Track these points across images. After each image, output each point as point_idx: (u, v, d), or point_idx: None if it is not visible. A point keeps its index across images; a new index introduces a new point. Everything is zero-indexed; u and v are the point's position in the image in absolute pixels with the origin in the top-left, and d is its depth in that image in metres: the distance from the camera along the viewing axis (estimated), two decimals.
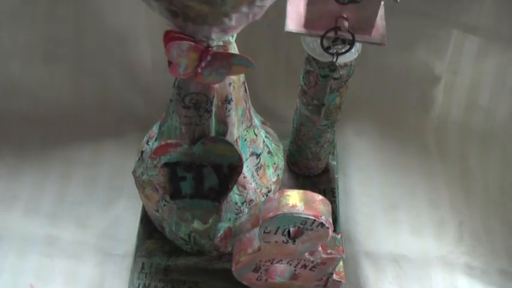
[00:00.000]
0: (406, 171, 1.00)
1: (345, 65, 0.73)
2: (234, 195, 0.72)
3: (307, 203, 0.64)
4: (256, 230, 0.68)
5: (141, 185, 0.76)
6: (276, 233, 0.66)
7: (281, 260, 0.71)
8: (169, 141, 0.67)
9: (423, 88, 1.02)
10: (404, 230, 0.93)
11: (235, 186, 0.71)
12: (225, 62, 0.59)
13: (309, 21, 0.68)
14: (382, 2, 0.68)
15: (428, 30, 0.96)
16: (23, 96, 1.01)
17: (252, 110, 0.72)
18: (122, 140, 1.00)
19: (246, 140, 0.71)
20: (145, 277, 0.83)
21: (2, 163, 0.98)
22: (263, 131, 0.77)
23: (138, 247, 0.85)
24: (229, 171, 0.68)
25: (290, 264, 0.72)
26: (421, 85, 1.02)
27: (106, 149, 1.00)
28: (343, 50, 0.69)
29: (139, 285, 0.82)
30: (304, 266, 0.72)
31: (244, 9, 0.55)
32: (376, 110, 1.04)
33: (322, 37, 0.67)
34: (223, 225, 0.75)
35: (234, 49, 0.62)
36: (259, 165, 0.74)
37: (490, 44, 0.97)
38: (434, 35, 0.96)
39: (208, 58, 0.58)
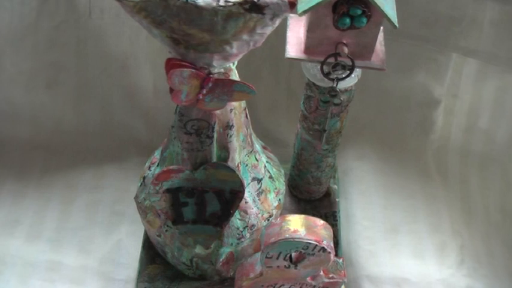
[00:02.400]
0: (407, 194, 1.00)
1: (345, 90, 0.73)
2: (236, 220, 0.72)
3: (308, 228, 0.64)
4: (258, 255, 0.68)
5: (143, 210, 0.76)
6: (278, 258, 0.66)
7: (283, 285, 0.71)
8: (171, 167, 0.67)
9: (423, 111, 1.02)
10: (405, 253, 0.93)
11: (236, 211, 0.71)
12: (226, 88, 0.59)
13: (309, 48, 0.68)
14: (382, 28, 0.68)
15: (428, 54, 0.96)
16: (25, 122, 1.02)
17: (253, 135, 0.73)
18: (123, 165, 1.00)
19: (247, 165, 0.71)
20: None
21: (4, 188, 0.98)
22: (264, 156, 0.77)
23: (140, 272, 0.85)
24: (231, 196, 0.68)
25: None
26: (421, 108, 1.02)
27: (108, 174, 1.00)
28: (343, 76, 0.69)
29: None
30: None
31: (245, 37, 0.55)
32: (376, 134, 1.04)
33: (322, 63, 0.68)
34: (225, 250, 0.75)
35: (235, 75, 0.62)
36: (260, 190, 0.74)
37: (489, 67, 0.97)
38: (434, 59, 0.97)
39: (210, 85, 0.58)
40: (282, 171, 0.82)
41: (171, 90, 0.58)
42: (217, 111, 0.63)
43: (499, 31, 0.92)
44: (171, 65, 0.57)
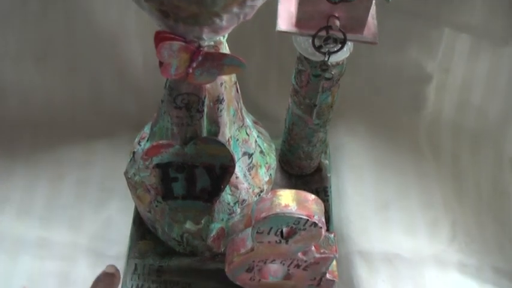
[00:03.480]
0: (399, 170, 1.00)
1: (337, 64, 0.73)
2: (227, 195, 0.72)
3: (299, 202, 0.64)
4: (249, 230, 0.68)
5: (133, 186, 0.76)
6: (269, 233, 0.66)
7: (274, 260, 0.71)
8: (161, 142, 0.66)
9: (415, 87, 1.02)
10: (397, 229, 0.93)
11: (227, 186, 0.70)
12: (216, 62, 0.58)
13: (301, 21, 0.67)
14: (374, 1, 0.68)
15: (420, 29, 0.96)
16: (14, 98, 1.01)
17: (243, 110, 0.72)
18: (113, 141, 1.00)
19: (238, 140, 0.71)
20: (138, 278, 0.82)
21: None
22: (255, 130, 0.77)
23: (130, 248, 0.85)
24: (221, 171, 0.68)
25: (283, 264, 0.72)
26: (413, 84, 1.02)
27: (98, 150, 0.99)
28: (335, 49, 0.69)
29: (132, 287, 0.82)
30: (298, 266, 0.72)
31: (235, 9, 0.54)
32: (368, 109, 1.04)
33: (314, 36, 0.67)
34: (216, 226, 0.75)
35: (225, 49, 0.62)
36: (251, 165, 0.74)
37: (482, 43, 0.96)
38: (426, 34, 0.96)
39: (200, 58, 0.58)
40: (273, 146, 0.81)
41: (161, 63, 0.58)
42: (208, 85, 0.62)
43: (492, 6, 0.92)
44: (160, 38, 0.56)
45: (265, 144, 0.78)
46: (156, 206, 0.74)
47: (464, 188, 0.98)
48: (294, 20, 0.68)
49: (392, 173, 0.99)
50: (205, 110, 0.64)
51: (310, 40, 0.68)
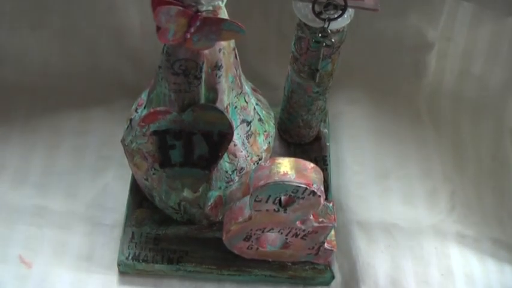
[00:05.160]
0: (398, 139, 0.99)
1: (337, 31, 0.72)
2: (225, 163, 0.72)
3: (298, 171, 0.63)
4: (247, 198, 0.68)
5: (130, 153, 0.75)
6: (267, 202, 0.65)
7: (272, 229, 0.71)
8: (158, 108, 0.66)
9: (416, 55, 1.02)
10: (396, 198, 0.93)
11: (225, 154, 0.70)
12: (214, 27, 0.58)
13: None
14: None
15: None
16: (9, 65, 1.00)
17: (242, 77, 0.72)
18: (110, 107, 0.99)
19: (236, 107, 0.70)
20: (135, 246, 0.82)
21: None
22: (254, 98, 0.76)
23: (127, 216, 0.85)
24: (219, 139, 0.67)
25: (281, 233, 0.71)
26: (414, 52, 1.01)
27: (94, 118, 0.99)
28: (335, 16, 0.68)
29: (129, 255, 0.82)
30: (296, 235, 0.72)
31: None
32: (368, 78, 1.03)
33: (314, 2, 0.67)
34: (214, 194, 0.75)
35: (224, 14, 0.61)
36: (249, 132, 0.73)
37: (484, 11, 0.96)
38: (428, 1, 0.95)
39: (198, 23, 0.57)
40: (272, 113, 0.81)
41: (158, 28, 0.57)
42: (206, 51, 0.62)
43: None
44: (157, 2, 0.56)
45: (264, 112, 0.78)
46: (154, 173, 0.74)
47: (464, 158, 0.98)
48: None
49: (392, 142, 0.99)
50: (204, 76, 0.63)
51: (310, 6, 0.67)
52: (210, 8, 0.59)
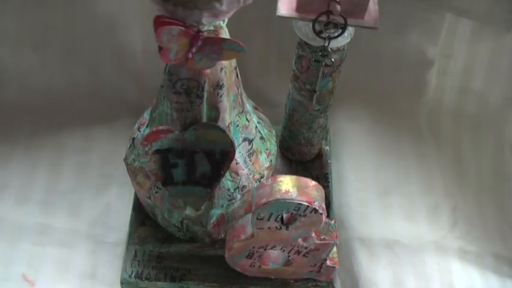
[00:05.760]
0: (399, 156, 1.00)
1: (338, 49, 0.73)
2: (227, 181, 0.72)
3: (300, 188, 0.64)
4: (249, 216, 0.68)
5: (132, 172, 0.76)
6: (269, 219, 0.65)
7: (274, 246, 0.71)
8: (160, 127, 0.66)
9: (416, 72, 1.02)
10: (397, 215, 0.93)
11: (227, 172, 0.70)
12: (216, 47, 0.58)
13: (301, 5, 0.67)
14: None
15: (421, 13, 0.95)
16: (13, 83, 1.01)
17: (244, 95, 0.72)
18: (112, 126, 1.00)
19: (238, 125, 0.70)
20: (138, 264, 0.82)
21: None
22: (255, 116, 0.76)
23: (130, 234, 0.85)
24: (221, 157, 0.67)
25: (283, 251, 0.71)
26: (414, 69, 1.02)
27: (97, 136, 0.99)
28: (336, 34, 0.69)
29: (132, 273, 0.82)
30: (298, 252, 0.72)
31: None
32: (369, 95, 1.03)
33: (314, 21, 0.67)
34: (216, 212, 0.75)
35: (225, 34, 0.61)
36: (251, 151, 0.73)
37: (483, 28, 0.96)
38: (427, 19, 0.96)
39: (199, 43, 0.57)
40: (273, 132, 0.81)
41: (160, 48, 0.57)
42: (207, 71, 0.62)
43: None
44: (159, 22, 0.56)
45: (265, 130, 0.78)
46: (156, 192, 0.74)
47: (465, 174, 0.98)
48: (294, 4, 0.68)
49: (393, 158, 0.99)
50: (205, 95, 0.64)
51: (311, 25, 0.68)
52: (212, 27, 0.59)
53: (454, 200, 0.95)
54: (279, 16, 0.68)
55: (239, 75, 0.68)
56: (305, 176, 0.66)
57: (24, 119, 1.01)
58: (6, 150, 0.97)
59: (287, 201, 0.63)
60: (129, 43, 0.98)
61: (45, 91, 1.01)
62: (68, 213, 0.91)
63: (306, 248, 0.70)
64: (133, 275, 0.81)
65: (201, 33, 0.57)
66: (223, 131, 0.66)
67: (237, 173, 0.72)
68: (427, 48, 0.99)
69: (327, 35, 0.69)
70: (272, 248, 0.71)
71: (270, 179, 0.65)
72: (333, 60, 0.72)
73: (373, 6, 0.69)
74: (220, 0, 0.55)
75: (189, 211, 0.74)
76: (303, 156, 0.92)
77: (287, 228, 0.67)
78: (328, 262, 0.74)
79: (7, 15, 0.94)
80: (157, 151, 0.67)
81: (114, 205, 0.92)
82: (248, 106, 0.74)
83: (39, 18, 0.95)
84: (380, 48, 0.99)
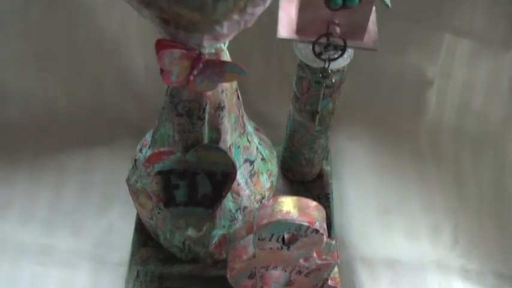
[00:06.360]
0: (400, 175, 1.00)
1: (338, 70, 0.73)
2: (228, 202, 0.72)
3: (301, 209, 0.64)
4: (251, 236, 0.68)
5: (135, 193, 0.76)
6: (270, 240, 0.66)
7: (276, 267, 0.71)
8: (162, 149, 0.67)
9: (416, 92, 1.02)
10: (399, 234, 0.93)
11: (229, 193, 0.71)
12: (217, 69, 0.59)
13: (301, 28, 0.68)
14: (374, 8, 0.68)
15: (421, 34, 0.96)
16: (16, 104, 1.01)
17: (245, 116, 0.72)
18: (115, 146, 1.00)
19: (239, 147, 0.71)
20: (140, 285, 0.82)
21: None
22: (256, 137, 0.77)
23: (132, 255, 0.85)
24: (222, 178, 0.68)
25: (285, 271, 0.71)
26: (414, 89, 1.02)
27: (99, 156, 1.00)
28: (335, 56, 0.69)
29: None
30: (299, 272, 0.72)
31: (236, 17, 0.55)
32: (369, 115, 1.04)
33: (314, 43, 0.68)
34: (218, 233, 0.75)
35: (226, 56, 0.62)
36: (252, 172, 0.74)
37: (483, 47, 0.97)
38: (427, 39, 0.97)
39: (201, 66, 0.58)
40: (275, 152, 0.81)
41: (162, 71, 0.58)
42: (209, 92, 0.62)
43: (492, 11, 0.92)
44: (161, 45, 0.56)
45: (266, 151, 0.78)
46: (158, 212, 0.74)
47: (465, 192, 0.98)
48: (294, 26, 0.69)
49: (394, 177, 0.99)
50: (207, 117, 0.64)
51: (311, 47, 0.68)
52: (213, 50, 0.59)
53: (455, 219, 0.95)
54: (280, 38, 0.69)
55: (240, 97, 0.69)
56: (306, 196, 0.66)
57: (27, 139, 1.01)
58: (9, 170, 0.98)
59: (288, 221, 0.63)
60: (131, 64, 0.99)
61: (48, 111, 1.02)
62: (71, 233, 0.91)
63: (307, 268, 0.70)
64: None
65: (202, 56, 0.58)
66: (224, 152, 0.66)
67: (238, 194, 0.72)
68: (427, 68, 1.00)
69: (327, 56, 0.69)
70: (274, 268, 0.71)
71: (271, 200, 0.65)
72: (333, 81, 0.73)
73: (372, 27, 0.69)
74: (221, 23, 0.55)
75: (191, 232, 0.74)
76: (304, 176, 0.92)
77: (288, 248, 0.67)
78: (329, 282, 0.74)
79: (11, 36, 0.94)
80: (159, 172, 0.68)
81: (117, 226, 0.92)
82: (249, 127, 0.74)
83: (42, 39, 0.95)
84: (380, 68, 1.00)
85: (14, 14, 0.92)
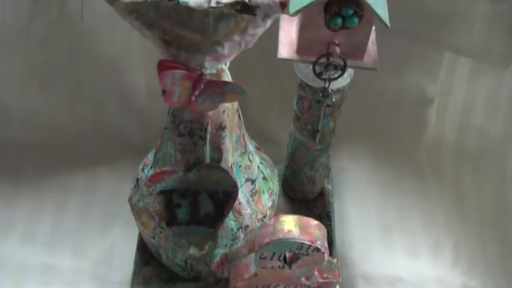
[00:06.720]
0: (401, 193, 1.00)
1: (338, 90, 0.73)
2: (230, 221, 0.72)
3: (302, 228, 0.64)
4: (253, 255, 0.68)
5: (137, 212, 0.76)
6: (272, 259, 0.66)
7: (278, 285, 0.71)
8: (164, 168, 0.67)
9: (416, 110, 1.03)
10: (400, 252, 0.93)
11: (230, 212, 0.71)
12: (218, 89, 0.59)
13: (301, 48, 0.68)
14: (373, 27, 0.68)
15: (420, 52, 0.96)
16: (18, 124, 1.02)
17: (246, 136, 0.73)
18: (117, 166, 1.00)
19: (240, 166, 0.71)
20: None
21: None
22: (258, 156, 0.77)
23: (135, 274, 0.85)
24: (224, 197, 0.68)
25: None
26: (414, 107, 1.02)
27: (101, 176, 1.00)
28: (336, 76, 0.70)
29: None
30: None
31: (237, 37, 0.55)
32: (370, 133, 1.04)
33: (315, 63, 0.68)
34: (220, 251, 0.75)
35: (227, 76, 0.62)
36: (254, 191, 0.74)
37: (482, 65, 0.97)
38: (426, 58, 0.97)
39: (202, 86, 0.58)
40: (276, 171, 0.82)
41: (164, 91, 0.58)
42: (210, 112, 0.63)
43: (491, 29, 0.93)
44: (163, 66, 0.57)
45: (267, 170, 0.79)
46: (160, 232, 0.74)
47: (466, 209, 0.99)
48: (295, 47, 0.69)
49: (395, 195, 1.00)
50: (208, 137, 0.65)
51: (311, 67, 0.69)
52: (214, 71, 0.60)
53: (455, 236, 0.95)
54: (280, 58, 0.69)
55: (241, 117, 0.69)
56: (308, 214, 0.67)
57: (29, 158, 1.01)
58: (12, 190, 0.98)
59: (290, 240, 0.63)
60: (133, 84, 0.99)
61: (50, 131, 1.02)
62: (73, 253, 0.91)
63: (309, 286, 0.71)
64: None
65: (203, 77, 0.58)
66: (226, 171, 0.66)
67: (240, 213, 0.73)
68: (427, 87, 1.00)
69: (327, 76, 0.70)
70: (275, 286, 0.71)
71: (272, 219, 0.65)
72: (333, 100, 0.73)
73: (372, 47, 0.70)
74: (222, 45, 0.56)
75: (193, 251, 0.75)
76: (305, 195, 0.92)
77: (290, 267, 0.67)
78: None
79: (13, 55, 0.95)
80: (161, 192, 0.68)
81: (119, 245, 0.92)
82: (250, 147, 0.75)
83: (44, 59, 0.96)
84: (380, 87, 1.00)
85: (17, 33, 0.93)
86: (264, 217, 0.76)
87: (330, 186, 0.94)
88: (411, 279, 0.90)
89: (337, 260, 0.71)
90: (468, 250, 0.94)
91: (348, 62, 0.68)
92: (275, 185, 0.79)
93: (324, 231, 0.66)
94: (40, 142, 1.02)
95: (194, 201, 0.69)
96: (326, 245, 0.65)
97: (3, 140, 1.02)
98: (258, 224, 0.75)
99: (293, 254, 0.66)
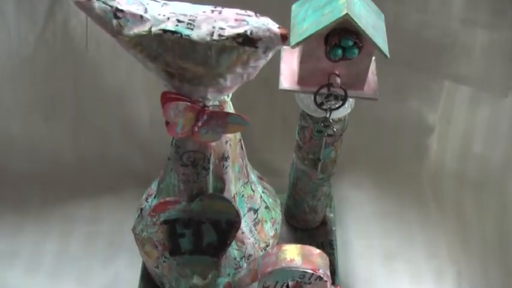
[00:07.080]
0: (403, 221, 1.00)
1: (339, 119, 0.74)
2: (233, 250, 0.73)
3: (304, 257, 0.64)
4: (256, 284, 0.68)
5: (141, 241, 0.76)
6: (275, 287, 0.66)
7: None
8: (168, 198, 0.68)
9: (417, 138, 1.03)
10: (402, 280, 0.93)
11: (233, 241, 0.71)
12: (221, 121, 0.60)
13: (302, 79, 0.69)
14: (373, 58, 0.69)
15: (420, 81, 0.97)
16: (23, 154, 1.02)
17: (248, 166, 0.73)
18: (121, 196, 1.00)
19: (243, 196, 0.72)
20: None
21: (3, 221, 0.98)
22: (260, 186, 0.77)
23: None
24: (227, 227, 0.68)
25: None
26: (415, 135, 1.03)
27: (106, 206, 1.00)
28: (337, 106, 0.70)
29: None
30: None
31: (239, 70, 0.56)
32: (371, 162, 1.05)
33: (316, 94, 0.69)
34: (223, 281, 0.75)
35: (229, 108, 0.63)
36: (257, 220, 0.74)
37: (482, 93, 0.98)
38: (426, 86, 0.98)
39: (205, 117, 0.59)
40: (278, 201, 0.82)
41: (167, 123, 0.59)
42: (213, 143, 0.64)
43: (490, 58, 0.93)
44: (166, 98, 0.58)
45: (270, 200, 0.79)
46: (164, 261, 0.75)
47: (468, 237, 0.98)
48: (296, 77, 0.70)
49: (397, 224, 1.00)
50: (211, 167, 0.65)
51: (312, 97, 0.70)
52: (217, 102, 0.61)
53: (458, 264, 0.95)
54: (282, 89, 0.70)
55: (244, 147, 0.70)
56: (310, 243, 0.67)
57: (34, 188, 1.02)
58: (17, 220, 0.98)
59: (292, 269, 0.64)
60: (137, 115, 1.00)
61: (54, 161, 1.03)
62: (77, 282, 0.91)
63: None
64: None
65: (206, 108, 0.59)
66: (229, 201, 0.67)
67: (243, 242, 0.73)
68: (427, 115, 1.01)
69: (328, 106, 0.70)
70: None
71: (275, 248, 0.66)
72: (334, 130, 0.73)
73: (372, 77, 0.70)
74: (225, 77, 0.56)
75: (196, 280, 0.75)
76: (307, 223, 0.92)
77: None
78: None
79: (18, 87, 0.96)
80: (165, 221, 0.68)
81: (123, 274, 0.92)
82: (253, 176, 0.75)
83: (49, 90, 0.97)
84: (381, 116, 1.01)
85: (22, 63, 0.94)
86: (267, 246, 0.76)
87: (332, 215, 0.94)
88: None
89: None
90: (471, 278, 0.93)
91: (349, 92, 0.68)
92: (277, 214, 0.80)
93: (326, 260, 0.66)
94: (44, 172, 1.03)
95: (197, 230, 0.69)
96: (328, 273, 0.65)
97: (8, 170, 1.02)
98: (261, 253, 0.75)
99: (296, 282, 0.66)
